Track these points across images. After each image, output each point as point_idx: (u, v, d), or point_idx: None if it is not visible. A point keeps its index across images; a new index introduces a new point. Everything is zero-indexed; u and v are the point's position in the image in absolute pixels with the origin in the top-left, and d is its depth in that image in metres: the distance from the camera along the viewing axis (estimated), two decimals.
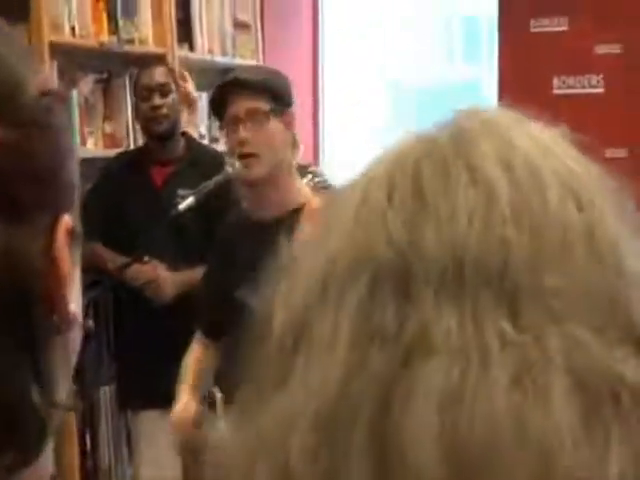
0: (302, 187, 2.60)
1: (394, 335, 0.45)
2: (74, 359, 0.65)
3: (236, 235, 2.59)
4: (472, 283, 0.46)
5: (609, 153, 4.12)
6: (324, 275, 0.49)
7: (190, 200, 2.78)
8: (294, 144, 3.99)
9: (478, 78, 7.27)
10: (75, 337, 0.64)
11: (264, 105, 2.48)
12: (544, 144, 0.51)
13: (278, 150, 2.50)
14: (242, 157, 2.50)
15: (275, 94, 2.50)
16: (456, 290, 0.46)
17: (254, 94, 2.46)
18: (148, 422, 3.40)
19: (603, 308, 0.46)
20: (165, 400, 3.31)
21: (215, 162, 3.49)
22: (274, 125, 2.48)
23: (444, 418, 0.43)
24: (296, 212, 2.42)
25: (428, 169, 0.49)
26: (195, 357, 2.71)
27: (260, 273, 0.53)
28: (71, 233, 0.62)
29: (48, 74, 0.61)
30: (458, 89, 7.50)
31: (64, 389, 0.62)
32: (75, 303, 0.63)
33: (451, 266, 0.46)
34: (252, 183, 2.52)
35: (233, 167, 2.93)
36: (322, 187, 4.07)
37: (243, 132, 2.46)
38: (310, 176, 4.05)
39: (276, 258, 0.54)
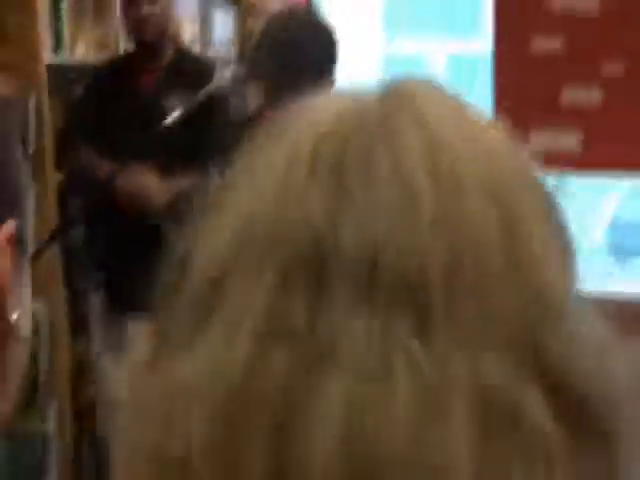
0: None
1: (301, 337, 0.43)
2: (17, 377, 0.61)
3: None
4: (386, 291, 0.44)
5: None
6: (243, 236, 0.46)
7: (177, 114, 2.76)
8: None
9: None
10: (17, 351, 0.61)
11: None
12: (476, 145, 0.48)
13: None
14: None
15: None
16: (369, 295, 0.43)
17: None
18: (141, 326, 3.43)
19: (515, 337, 0.44)
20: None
21: (203, 71, 3.45)
22: None
23: (345, 438, 0.42)
24: None
25: (353, 150, 0.46)
26: None
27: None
28: (13, 240, 0.59)
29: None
30: None
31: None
32: (19, 313, 0.60)
33: (366, 268, 0.44)
34: None
35: (222, 79, 2.91)
36: None
37: None
38: None
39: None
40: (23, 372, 0.61)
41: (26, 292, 0.62)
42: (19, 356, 0.61)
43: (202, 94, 2.81)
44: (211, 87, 2.84)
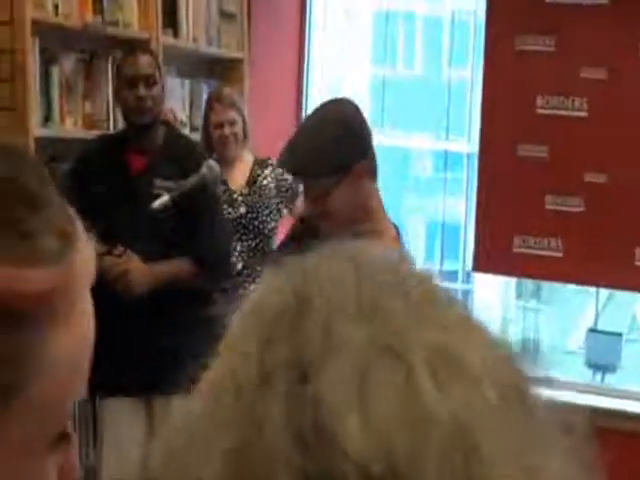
0: (387, 230, 2.45)
1: None
2: None
3: None
4: None
5: (588, 177, 4.15)
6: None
7: (165, 199, 2.76)
8: (244, 135, 4.04)
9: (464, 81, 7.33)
10: None
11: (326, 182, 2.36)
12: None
13: (350, 212, 2.41)
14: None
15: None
16: None
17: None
18: (115, 409, 3.40)
19: None
20: (133, 388, 3.32)
21: (193, 154, 3.49)
22: (338, 193, 2.35)
23: None
24: None
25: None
26: None
27: None
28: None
29: None
30: (444, 89, 7.55)
31: None
32: None
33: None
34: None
35: (209, 168, 2.92)
36: (281, 179, 4.14)
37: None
38: (271, 168, 4.12)
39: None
40: None
41: None
42: None
43: (191, 181, 2.83)
44: (200, 174, 2.86)
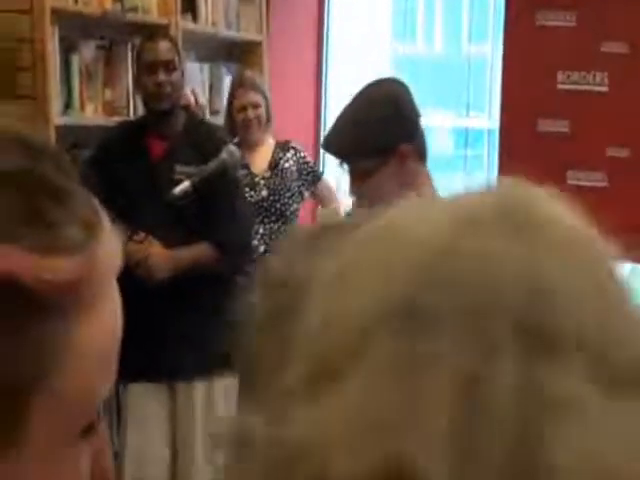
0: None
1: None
2: None
3: None
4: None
5: (610, 152, 4.13)
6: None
7: (186, 185, 2.77)
8: (267, 119, 4.03)
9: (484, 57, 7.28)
10: None
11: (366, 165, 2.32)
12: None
13: (394, 193, 2.38)
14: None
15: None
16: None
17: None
18: (138, 395, 3.42)
19: None
20: (156, 374, 3.34)
21: (213, 139, 3.49)
22: (382, 174, 2.30)
23: None
24: None
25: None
26: None
27: None
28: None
29: None
30: (464, 66, 7.51)
31: None
32: None
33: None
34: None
35: (229, 152, 2.93)
36: (303, 163, 4.15)
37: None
38: (292, 152, 4.12)
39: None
40: None
41: None
42: None
43: (211, 166, 2.83)
44: (220, 159, 2.86)
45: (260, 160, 4.06)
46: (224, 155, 2.90)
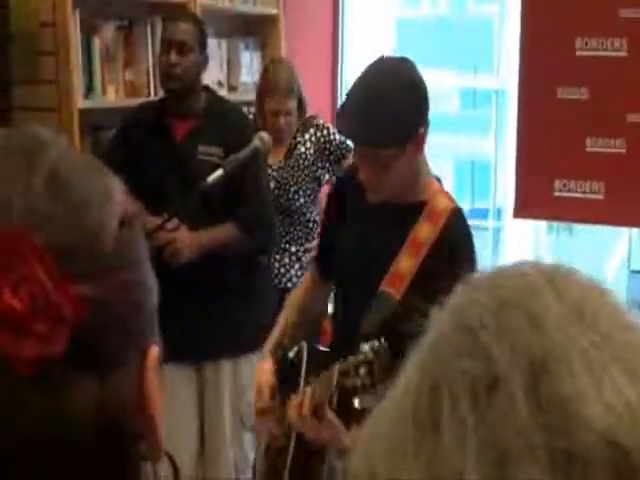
0: (430, 184, 2.40)
1: None
2: None
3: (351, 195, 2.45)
4: None
5: (630, 118, 4.13)
6: None
7: (219, 173, 2.76)
8: (300, 113, 3.96)
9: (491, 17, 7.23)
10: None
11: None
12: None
13: (409, 177, 2.34)
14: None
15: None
16: None
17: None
18: (166, 376, 3.44)
19: None
20: (184, 355, 3.37)
21: (235, 119, 3.48)
22: (403, 160, 2.27)
23: None
24: (415, 207, 2.32)
25: None
26: (302, 291, 2.67)
27: None
28: (157, 360, 0.64)
29: (120, 198, 0.59)
30: (470, 27, 7.47)
31: None
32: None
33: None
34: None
35: (261, 140, 2.93)
36: (326, 141, 4.08)
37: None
38: (313, 130, 4.05)
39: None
40: None
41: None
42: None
43: (244, 154, 2.82)
44: (252, 147, 2.86)
45: (280, 150, 4.00)
46: (257, 142, 2.90)
